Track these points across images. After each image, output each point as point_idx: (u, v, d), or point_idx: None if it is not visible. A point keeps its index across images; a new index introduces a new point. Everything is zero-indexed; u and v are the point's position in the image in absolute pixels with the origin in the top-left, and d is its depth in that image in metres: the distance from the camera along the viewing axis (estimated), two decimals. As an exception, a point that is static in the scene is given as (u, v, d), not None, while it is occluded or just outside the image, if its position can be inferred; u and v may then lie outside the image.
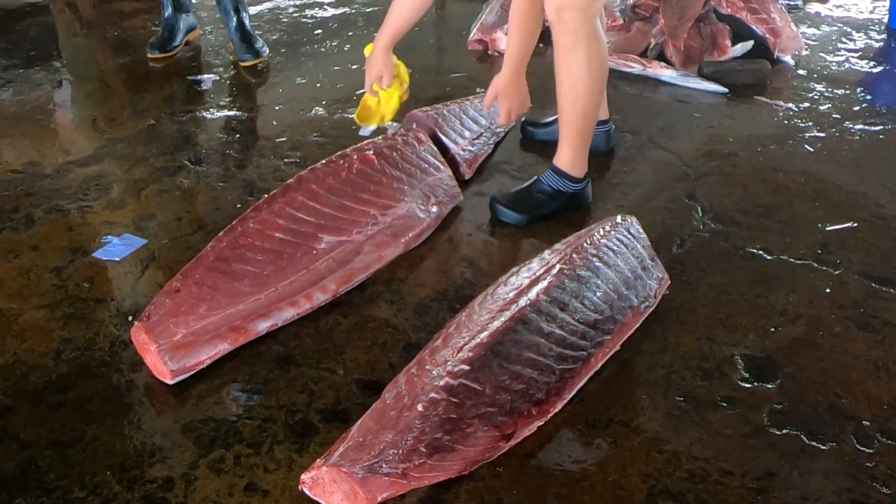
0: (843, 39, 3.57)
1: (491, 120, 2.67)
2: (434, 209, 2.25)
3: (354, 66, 3.33)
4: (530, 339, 1.66)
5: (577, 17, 2.06)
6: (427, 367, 1.60)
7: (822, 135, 2.78)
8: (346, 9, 3.94)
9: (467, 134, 2.57)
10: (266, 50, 3.42)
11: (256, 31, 3.63)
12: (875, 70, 3.30)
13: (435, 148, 2.37)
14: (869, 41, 3.56)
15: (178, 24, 3.48)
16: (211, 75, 3.25)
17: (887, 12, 3.74)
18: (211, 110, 2.98)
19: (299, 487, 1.49)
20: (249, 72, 3.30)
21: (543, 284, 1.75)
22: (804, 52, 3.39)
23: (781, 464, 1.57)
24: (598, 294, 1.80)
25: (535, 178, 2.33)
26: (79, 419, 1.67)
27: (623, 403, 1.71)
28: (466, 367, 1.57)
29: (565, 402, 1.67)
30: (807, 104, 2.99)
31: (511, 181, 2.52)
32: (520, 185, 2.38)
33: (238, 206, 2.36)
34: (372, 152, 2.21)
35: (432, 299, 2.02)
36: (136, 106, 3.01)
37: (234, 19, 3.36)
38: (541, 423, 1.61)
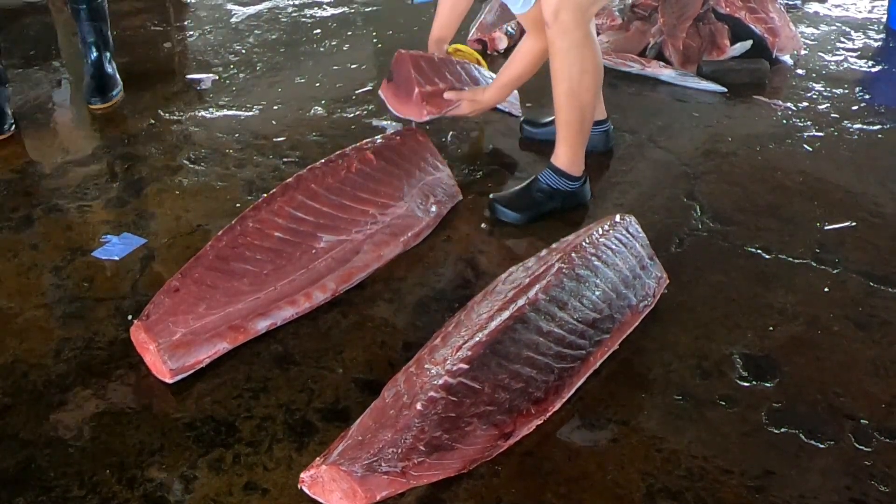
0: (842, 39, 3.57)
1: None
2: (433, 208, 2.25)
3: (353, 66, 3.33)
4: (529, 338, 1.66)
5: (575, 18, 2.08)
6: (426, 365, 1.61)
7: (820, 134, 2.78)
8: (346, 8, 3.94)
9: (441, 84, 2.49)
10: (118, 93, 3.03)
11: (255, 31, 3.63)
12: (874, 69, 3.30)
13: (434, 147, 2.37)
14: (868, 41, 3.56)
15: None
16: (210, 75, 3.25)
17: (886, 12, 3.74)
18: (210, 110, 2.98)
19: (298, 486, 1.49)
20: (248, 71, 3.29)
21: (542, 283, 1.75)
22: (803, 52, 3.38)
23: (780, 462, 1.57)
24: (597, 293, 1.80)
25: (534, 177, 2.34)
26: (78, 418, 1.67)
27: (622, 402, 1.71)
28: (465, 366, 1.57)
29: (564, 400, 1.67)
30: (805, 103, 2.99)
31: (510, 180, 2.52)
32: (519, 184, 2.39)
33: (237, 205, 2.36)
34: (371, 151, 2.21)
35: (431, 298, 2.02)
36: (135, 105, 3.01)
37: (94, 53, 3.00)
38: (540, 422, 1.62)
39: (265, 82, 3.20)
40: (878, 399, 1.71)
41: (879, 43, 3.56)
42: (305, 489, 1.48)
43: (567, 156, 2.28)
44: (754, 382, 1.76)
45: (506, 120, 2.85)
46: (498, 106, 2.64)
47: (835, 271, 2.10)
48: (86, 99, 3.00)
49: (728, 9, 3.44)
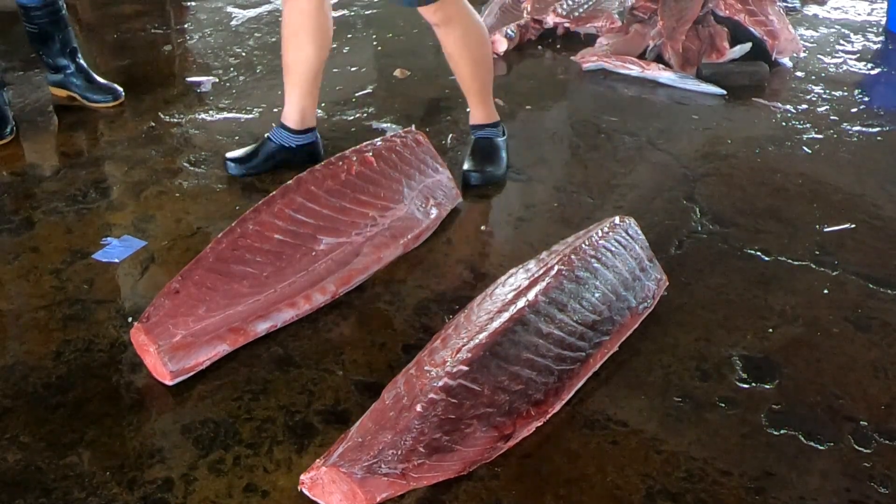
0: (841, 41, 3.57)
1: None
2: (433, 210, 2.26)
3: (353, 69, 3.34)
4: (529, 340, 1.66)
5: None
6: (426, 367, 1.61)
7: (819, 136, 2.79)
8: (346, 11, 3.94)
9: None
10: (121, 90, 3.04)
11: (255, 34, 3.63)
12: (873, 72, 3.31)
13: (434, 150, 2.37)
14: (867, 43, 3.57)
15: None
16: (210, 77, 3.25)
17: (885, 14, 3.75)
18: (210, 112, 2.98)
19: (299, 488, 1.49)
20: (248, 74, 3.30)
21: (542, 285, 1.75)
22: (802, 54, 3.39)
23: (779, 464, 1.57)
24: (597, 295, 1.80)
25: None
26: (78, 420, 1.68)
27: (621, 404, 1.71)
28: (465, 368, 1.57)
29: (564, 402, 1.67)
30: (805, 106, 3.00)
31: (510, 182, 2.52)
32: (517, 184, 2.39)
33: (237, 207, 2.36)
34: (371, 154, 2.21)
35: (431, 300, 2.02)
36: (135, 108, 3.01)
37: (72, 64, 2.98)
38: (539, 424, 1.62)
39: (265, 85, 3.20)
40: (878, 401, 1.72)
41: (878, 45, 3.56)
42: (305, 491, 1.49)
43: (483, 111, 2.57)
44: (754, 384, 1.76)
45: (504, 122, 2.85)
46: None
47: (834, 273, 2.10)
48: (93, 100, 3.00)
49: (727, 11, 3.44)
